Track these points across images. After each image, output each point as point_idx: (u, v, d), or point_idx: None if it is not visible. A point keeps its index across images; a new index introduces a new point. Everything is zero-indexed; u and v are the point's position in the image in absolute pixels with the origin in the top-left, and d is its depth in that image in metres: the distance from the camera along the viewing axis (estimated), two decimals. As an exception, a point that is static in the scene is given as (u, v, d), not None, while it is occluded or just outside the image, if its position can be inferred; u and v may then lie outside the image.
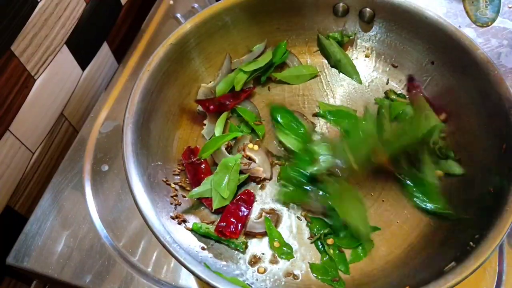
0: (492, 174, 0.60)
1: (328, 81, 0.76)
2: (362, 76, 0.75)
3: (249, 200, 0.64)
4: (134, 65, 0.80)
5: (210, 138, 0.69)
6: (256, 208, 0.65)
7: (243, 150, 0.68)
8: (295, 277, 0.60)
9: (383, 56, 0.75)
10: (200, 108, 0.72)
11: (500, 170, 0.59)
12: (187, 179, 0.66)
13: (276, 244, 0.62)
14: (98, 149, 0.72)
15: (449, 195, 0.64)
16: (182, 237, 0.59)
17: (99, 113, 0.75)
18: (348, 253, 0.61)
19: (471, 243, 0.54)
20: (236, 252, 0.61)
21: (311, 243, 0.62)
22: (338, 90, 0.75)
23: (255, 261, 0.61)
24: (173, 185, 0.64)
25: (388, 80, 0.74)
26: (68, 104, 0.76)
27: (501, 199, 0.55)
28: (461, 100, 0.67)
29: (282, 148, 0.69)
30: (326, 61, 0.77)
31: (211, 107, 0.70)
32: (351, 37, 0.75)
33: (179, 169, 0.67)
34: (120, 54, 0.86)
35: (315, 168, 0.63)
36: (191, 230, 0.61)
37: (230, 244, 0.61)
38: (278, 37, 0.76)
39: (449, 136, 0.68)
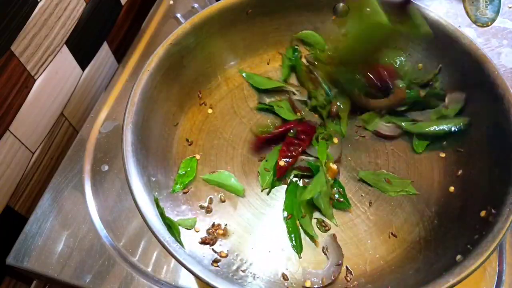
0: (492, 174, 0.60)
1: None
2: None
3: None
4: (134, 65, 0.80)
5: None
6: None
7: None
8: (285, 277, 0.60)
9: (383, 56, 0.75)
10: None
11: (500, 170, 0.59)
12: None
13: None
14: (98, 149, 0.72)
15: (448, 194, 0.64)
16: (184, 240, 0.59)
17: (99, 113, 0.75)
18: None
19: (469, 245, 0.54)
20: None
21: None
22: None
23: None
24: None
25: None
26: (68, 104, 0.76)
27: (501, 199, 0.55)
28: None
29: None
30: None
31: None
32: None
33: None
34: (120, 54, 0.86)
35: None
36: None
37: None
38: (278, 37, 0.76)
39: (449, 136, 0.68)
